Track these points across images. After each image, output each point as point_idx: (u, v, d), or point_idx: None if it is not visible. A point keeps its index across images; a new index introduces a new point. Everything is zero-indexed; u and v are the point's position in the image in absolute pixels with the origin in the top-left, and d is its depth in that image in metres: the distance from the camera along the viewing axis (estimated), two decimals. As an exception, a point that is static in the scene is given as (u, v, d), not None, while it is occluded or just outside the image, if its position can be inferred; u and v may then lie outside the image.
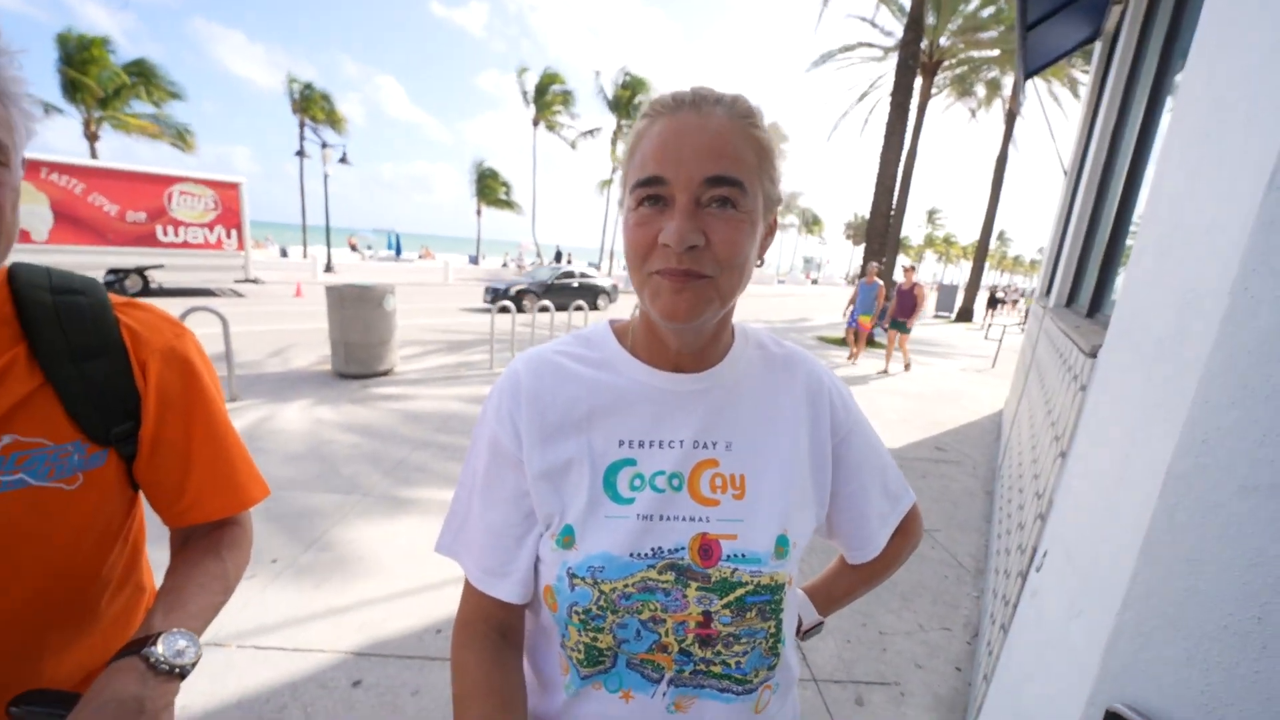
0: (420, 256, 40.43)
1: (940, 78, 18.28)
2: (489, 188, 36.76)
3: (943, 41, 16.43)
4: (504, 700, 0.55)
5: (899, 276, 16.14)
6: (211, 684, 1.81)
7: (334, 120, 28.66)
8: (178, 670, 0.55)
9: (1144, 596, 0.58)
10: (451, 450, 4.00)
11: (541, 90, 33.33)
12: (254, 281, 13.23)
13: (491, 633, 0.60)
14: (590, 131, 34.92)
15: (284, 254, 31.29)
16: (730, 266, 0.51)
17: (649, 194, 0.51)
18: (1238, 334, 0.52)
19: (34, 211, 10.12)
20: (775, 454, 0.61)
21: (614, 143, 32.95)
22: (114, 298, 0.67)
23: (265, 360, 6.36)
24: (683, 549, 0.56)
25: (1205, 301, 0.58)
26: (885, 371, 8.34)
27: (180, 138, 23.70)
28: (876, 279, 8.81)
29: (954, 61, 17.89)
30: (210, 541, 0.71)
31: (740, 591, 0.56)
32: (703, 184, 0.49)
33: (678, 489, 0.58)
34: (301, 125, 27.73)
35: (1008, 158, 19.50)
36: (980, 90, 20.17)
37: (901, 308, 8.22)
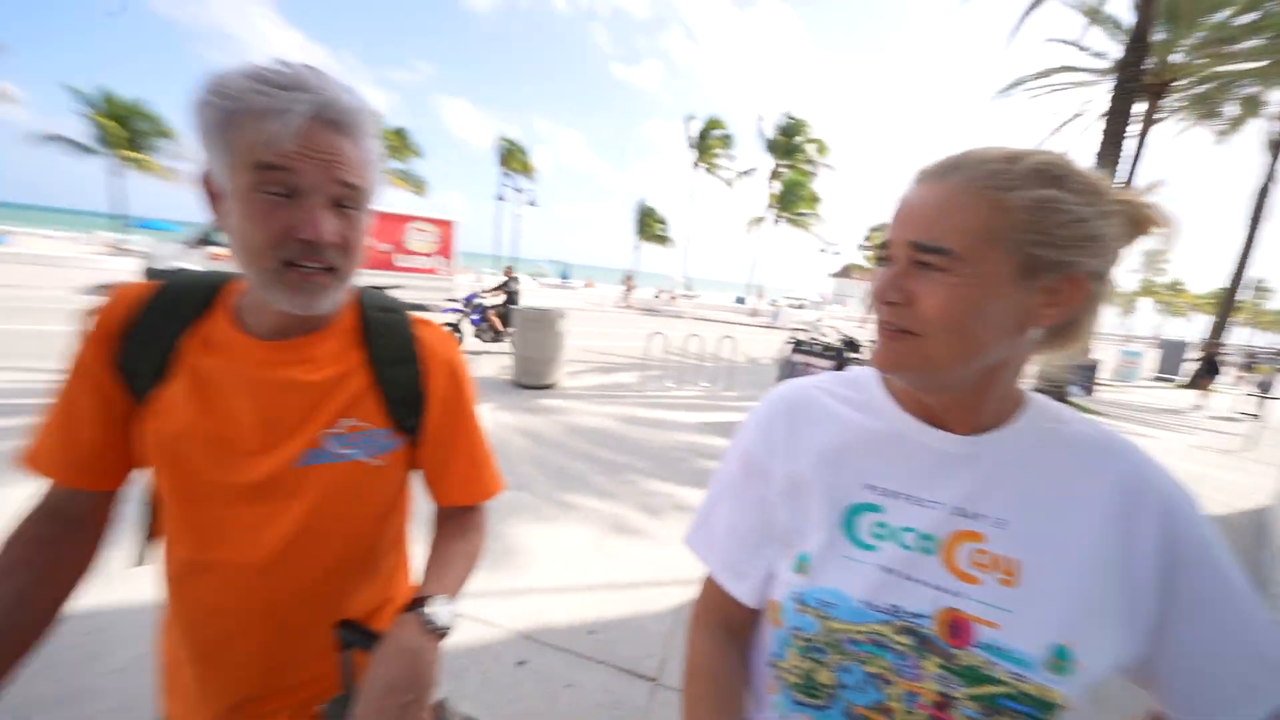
0: (585, 285, 44.15)
1: (1170, 100, 15.14)
2: (648, 224, 39.02)
3: (1174, 58, 13.65)
4: (721, 685, 0.60)
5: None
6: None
7: (527, 169, 33.03)
8: (442, 632, 0.64)
9: None
10: (605, 465, 4.16)
11: (704, 135, 34.87)
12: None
13: (721, 623, 0.64)
14: (747, 171, 35.53)
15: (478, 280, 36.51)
16: (943, 329, 0.49)
17: (880, 255, 0.55)
18: None
19: None
20: (1066, 549, 0.50)
21: (770, 182, 33.07)
22: (408, 315, 0.81)
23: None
24: (926, 617, 0.51)
25: None
26: None
27: (417, 187, 29.37)
28: None
29: (1192, 80, 14.73)
30: (460, 524, 0.81)
31: (994, 689, 0.48)
32: (907, 247, 0.51)
33: (928, 552, 0.53)
34: (504, 175, 32.32)
35: (1268, 190, 15.37)
36: (1231, 109, 16.26)
37: None
